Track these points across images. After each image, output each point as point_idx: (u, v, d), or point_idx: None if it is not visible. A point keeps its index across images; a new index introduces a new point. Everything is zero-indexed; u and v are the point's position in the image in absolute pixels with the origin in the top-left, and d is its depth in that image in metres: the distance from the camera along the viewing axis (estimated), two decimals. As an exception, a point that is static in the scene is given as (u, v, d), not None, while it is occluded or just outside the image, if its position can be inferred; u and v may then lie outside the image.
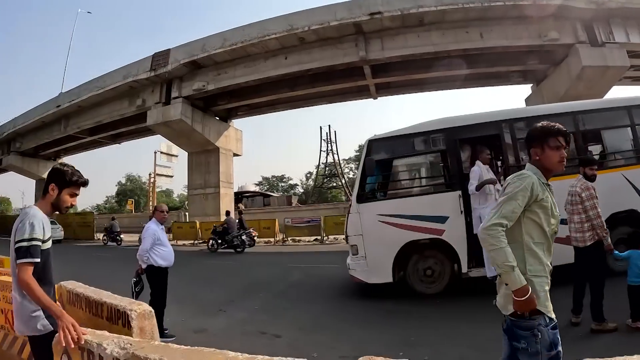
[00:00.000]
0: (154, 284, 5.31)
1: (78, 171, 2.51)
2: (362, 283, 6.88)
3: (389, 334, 5.05)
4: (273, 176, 70.45)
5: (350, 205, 7.03)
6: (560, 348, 2.06)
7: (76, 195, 2.53)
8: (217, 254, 15.92)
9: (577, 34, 17.68)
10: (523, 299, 1.98)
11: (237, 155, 26.83)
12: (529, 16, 17.48)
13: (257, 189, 57.39)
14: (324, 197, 57.40)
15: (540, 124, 2.29)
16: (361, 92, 24.42)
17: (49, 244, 2.40)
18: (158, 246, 5.32)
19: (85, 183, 2.54)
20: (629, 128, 6.97)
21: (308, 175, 68.52)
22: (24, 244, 2.20)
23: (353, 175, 62.42)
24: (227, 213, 17.74)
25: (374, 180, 7.10)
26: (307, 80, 21.87)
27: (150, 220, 5.62)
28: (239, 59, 20.74)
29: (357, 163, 62.81)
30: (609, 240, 4.67)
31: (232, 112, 25.72)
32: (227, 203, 24.48)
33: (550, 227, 2.16)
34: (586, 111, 7.13)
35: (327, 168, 60.39)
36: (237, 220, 16.68)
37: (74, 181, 2.47)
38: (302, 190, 67.18)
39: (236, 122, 26.93)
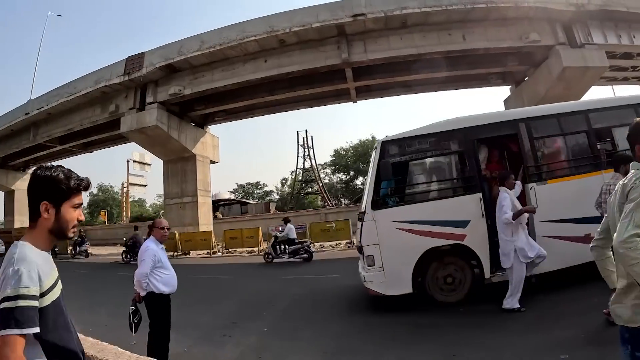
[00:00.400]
0: (155, 314, 4.50)
1: (71, 171, 1.74)
2: (379, 295, 6.33)
3: (427, 351, 4.57)
4: (248, 183, 69.20)
5: (364, 212, 6.48)
6: None
7: (80, 205, 1.75)
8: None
9: (557, 36, 17.94)
10: None
11: (214, 162, 25.96)
12: (510, 18, 17.61)
13: (231, 196, 56.06)
14: (300, 204, 56.65)
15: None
16: (340, 96, 24.06)
17: (55, 294, 1.63)
18: (159, 269, 4.50)
19: (88, 186, 1.77)
20: None
21: (283, 181, 67.64)
22: (8, 304, 1.43)
23: (328, 180, 61.98)
24: (135, 228, 18.43)
25: (389, 185, 6.59)
26: (287, 84, 21.42)
27: (147, 238, 4.82)
28: (217, 62, 20.00)
29: (332, 168, 62.45)
30: None
31: (209, 117, 24.85)
32: (205, 212, 23.58)
33: None
34: (599, 109, 7.02)
35: (303, 173, 59.67)
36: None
37: (75, 187, 1.70)
38: (277, 197, 66.12)
39: (211, 128, 26.10)
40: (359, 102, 24.74)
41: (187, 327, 6.18)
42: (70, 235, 1.74)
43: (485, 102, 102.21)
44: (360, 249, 6.66)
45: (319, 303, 7.68)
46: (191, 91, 20.54)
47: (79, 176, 1.74)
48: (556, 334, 4.62)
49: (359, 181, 59.68)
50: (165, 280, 4.52)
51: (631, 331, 1.96)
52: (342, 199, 57.06)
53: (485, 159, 6.90)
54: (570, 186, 6.40)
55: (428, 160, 6.86)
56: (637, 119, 2.16)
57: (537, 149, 6.72)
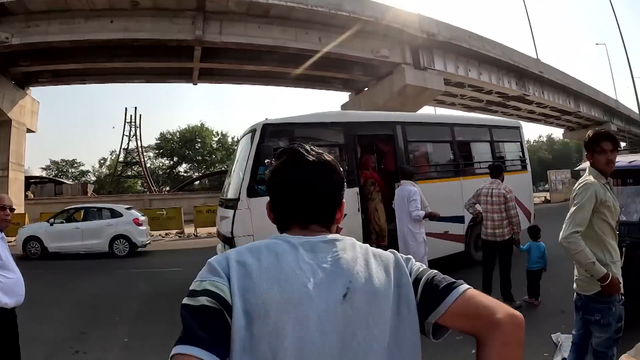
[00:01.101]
0: None
1: None
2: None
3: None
4: (63, 160, 59.44)
5: (238, 200, 5.92)
6: (623, 322, 2.48)
7: None
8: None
9: (405, 56, 20.34)
10: (607, 283, 2.36)
11: (32, 131, 21.66)
12: (367, 31, 19.01)
13: (43, 173, 47.42)
14: (120, 187, 50.87)
15: (590, 132, 2.58)
16: (182, 75, 22.95)
17: None
18: None
19: None
20: (488, 143, 8.14)
21: (102, 161, 60.02)
22: None
23: (151, 164, 56.98)
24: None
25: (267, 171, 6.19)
26: (128, 52, 19.19)
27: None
28: (56, 12, 16.47)
29: (157, 152, 57.20)
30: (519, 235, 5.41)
31: (32, 77, 20.53)
32: (17, 190, 19.39)
33: (614, 221, 2.54)
34: (462, 124, 8.11)
35: (126, 154, 53.53)
36: None
37: None
38: (94, 178, 58.33)
39: (33, 90, 21.72)
40: (198, 84, 24.03)
41: (23, 344, 4.70)
42: None
43: (318, 106, 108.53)
44: (230, 240, 6.08)
45: (176, 302, 6.76)
46: (20, 41, 16.48)
47: None
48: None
49: (182, 168, 56.70)
50: (6, 287, 3.09)
51: (582, 298, 2.56)
52: (163, 186, 53.04)
53: (367, 154, 7.20)
54: (435, 189, 7.09)
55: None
56: (592, 130, 2.63)
57: (410, 152, 7.28)
